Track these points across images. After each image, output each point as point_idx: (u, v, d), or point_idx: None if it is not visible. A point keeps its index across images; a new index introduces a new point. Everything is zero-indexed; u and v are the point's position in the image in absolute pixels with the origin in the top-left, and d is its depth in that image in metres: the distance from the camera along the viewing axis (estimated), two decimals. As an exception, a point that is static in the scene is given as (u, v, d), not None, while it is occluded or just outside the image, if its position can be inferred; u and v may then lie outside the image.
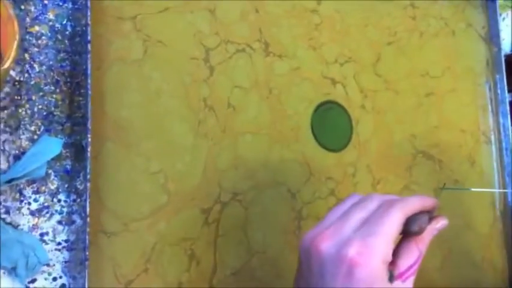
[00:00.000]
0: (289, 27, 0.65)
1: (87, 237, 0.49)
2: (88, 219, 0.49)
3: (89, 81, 0.50)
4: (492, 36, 0.85)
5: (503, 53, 0.85)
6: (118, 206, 0.52)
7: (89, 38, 0.50)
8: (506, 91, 0.83)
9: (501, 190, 0.73)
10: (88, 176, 0.49)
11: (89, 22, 0.51)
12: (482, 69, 0.84)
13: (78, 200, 0.53)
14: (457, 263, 0.75)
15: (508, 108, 0.82)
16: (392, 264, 0.41)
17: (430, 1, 0.79)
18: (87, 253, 0.48)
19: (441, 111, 0.77)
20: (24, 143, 0.51)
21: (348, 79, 0.69)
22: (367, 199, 0.43)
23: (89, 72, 0.50)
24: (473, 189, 0.72)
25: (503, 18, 0.99)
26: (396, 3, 0.75)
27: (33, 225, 0.51)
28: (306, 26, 0.66)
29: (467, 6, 0.84)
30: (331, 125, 0.66)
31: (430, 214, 0.45)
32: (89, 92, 0.50)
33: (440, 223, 0.45)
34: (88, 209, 0.49)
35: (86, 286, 0.48)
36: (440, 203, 0.73)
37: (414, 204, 0.42)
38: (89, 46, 0.50)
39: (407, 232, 0.42)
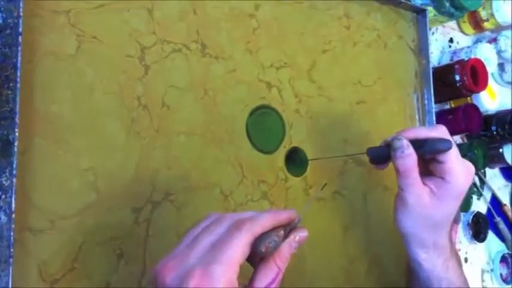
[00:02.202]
0: (226, 30, 0.65)
1: (11, 234, 0.47)
2: (13, 216, 0.47)
3: (19, 74, 0.48)
4: (421, 49, 0.89)
5: (431, 66, 0.89)
6: (45, 203, 0.51)
7: (20, 30, 0.49)
8: (433, 102, 0.87)
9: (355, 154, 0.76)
10: (14, 172, 0.48)
11: (21, 14, 0.49)
12: (411, 80, 0.87)
13: (3, 196, 0.51)
14: (384, 267, 0.78)
15: (434, 118, 0.86)
16: (250, 284, 0.42)
17: (364, 13, 0.82)
18: (11, 250, 0.47)
19: (372, 119, 0.80)
20: None
21: (284, 84, 0.70)
22: (218, 221, 0.43)
23: (18, 65, 0.49)
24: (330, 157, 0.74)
25: (433, 33, 1.04)
26: (332, 14, 0.78)
27: (-47, 221, 0.49)
28: (244, 30, 0.67)
29: (399, 20, 0.87)
30: (266, 128, 0.67)
31: (292, 226, 0.44)
32: (18, 86, 0.48)
33: (299, 236, 0.44)
34: (13, 206, 0.47)
35: (10, 285, 0.47)
36: (368, 207, 0.76)
37: (264, 222, 0.42)
38: (20, 38, 0.49)
39: (265, 252, 0.41)
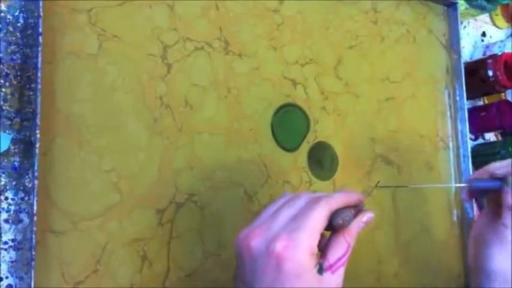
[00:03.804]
0: (250, 26, 0.64)
1: (33, 236, 0.47)
2: (35, 217, 0.47)
3: (39, 74, 0.48)
4: (452, 44, 0.87)
5: (463, 61, 0.86)
6: (67, 205, 0.50)
7: (40, 30, 0.49)
8: (465, 98, 0.84)
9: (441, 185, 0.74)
10: (36, 173, 0.47)
11: (41, 14, 0.49)
12: (442, 75, 0.85)
13: (26, 198, 0.51)
14: (414, 268, 0.75)
15: (466, 115, 0.83)
16: (323, 257, 0.44)
17: (392, 7, 0.80)
18: (33, 253, 0.47)
19: (401, 116, 0.78)
20: (-30, 138, 0.49)
21: (309, 81, 0.68)
22: (296, 197, 0.46)
23: (39, 65, 0.48)
24: (410, 186, 0.73)
25: (465, 27, 1.01)
26: (358, 8, 0.76)
27: (-23, 223, 0.49)
28: (268, 26, 0.66)
29: (429, 13, 0.85)
30: (290, 127, 0.66)
31: (358, 208, 0.48)
32: (39, 86, 0.48)
33: (366, 216, 0.47)
34: (35, 208, 0.47)
35: (33, 287, 0.46)
36: (397, 207, 0.74)
37: (339, 199, 0.45)
38: (40, 39, 0.48)
39: (333, 226, 0.44)
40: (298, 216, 0.43)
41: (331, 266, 0.43)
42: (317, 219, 0.43)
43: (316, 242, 0.42)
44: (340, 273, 0.44)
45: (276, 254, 0.41)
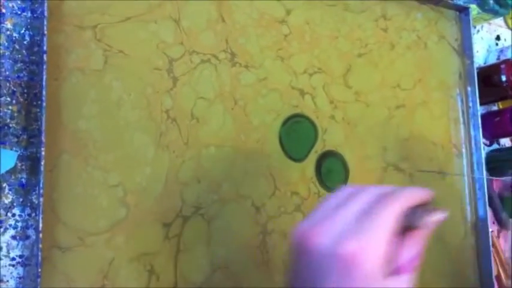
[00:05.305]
0: (256, 38, 0.64)
1: (39, 252, 0.47)
2: (41, 234, 0.47)
3: (44, 92, 0.48)
4: (465, 49, 0.85)
5: (477, 65, 0.84)
6: (74, 220, 0.50)
7: (45, 48, 0.49)
8: (478, 104, 0.83)
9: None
10: (41, 190, 0.47)
11: (45, 32, 0.49)
12: (455, 81, 0.83)
13: (33, 214, 0.51)
14: (429, 276, 0.74)
15: (479, 121, 0.82)
16: (393, 261, 0.39)
17: (402, 14, 0.79)
18: (39, 269, 0.47)
19: (412, 124, 0.77)
20: (-22, 155, 0.50)
21: (317, 90, 0.68)
22: (362, 191, 0.40)
23: (44, 83, 0.48)
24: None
25: (478, 31, 0.99)
26: (368, 15, 0.75)
27: (-15, 240, 0.49)
28: (275, 37, 0.65)
29: (440, 19, 0.84)
30: (299, 137, 0.65)
31: (425, 207, 0.42)
32: (44, 104, 0.48)
33: (438, 216, 0.40)
34: (41, 224, 0.47)
35: (40, 303, 0.47)
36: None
37: (412, 197, 0.39)
38: (45, 56, 0.49)
39: (408, 226, 0.39)
40: (369, 215, 0.37)
41: (400, 269, 0.38)
42: (391, 219, 0.37)
43: (390, 246, 0.37)
44: (409, 279, 0.39)
45: (346, 256, 0.35)
